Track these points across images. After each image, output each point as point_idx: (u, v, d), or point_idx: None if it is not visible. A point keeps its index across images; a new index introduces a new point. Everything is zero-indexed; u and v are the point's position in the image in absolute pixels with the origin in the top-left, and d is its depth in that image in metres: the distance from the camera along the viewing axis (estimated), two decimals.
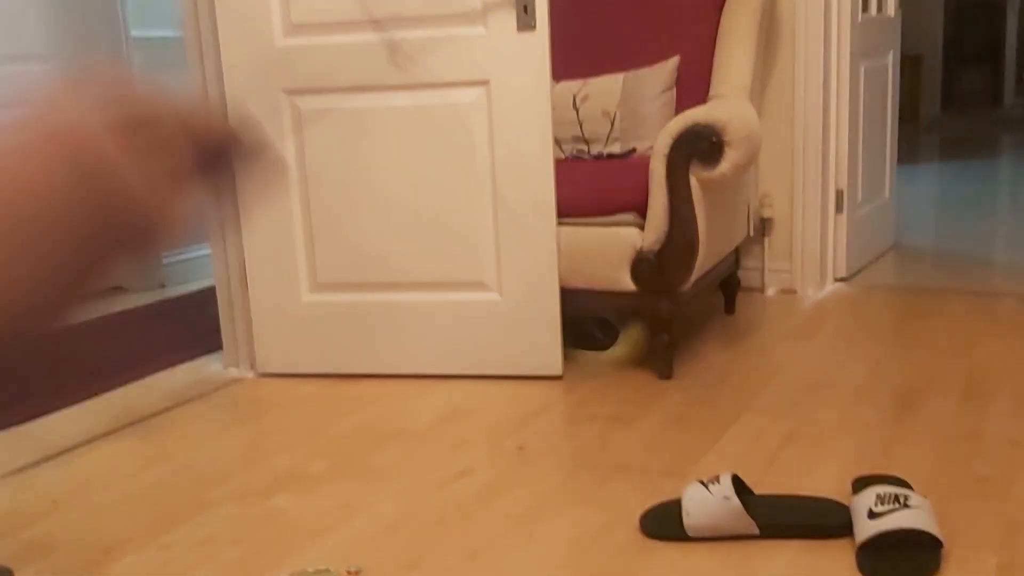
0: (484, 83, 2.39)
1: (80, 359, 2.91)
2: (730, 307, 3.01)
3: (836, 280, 3.31)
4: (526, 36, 2.34)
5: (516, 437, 2.12)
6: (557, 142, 2.89)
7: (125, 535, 1.76)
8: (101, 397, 2.55)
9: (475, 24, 2.37)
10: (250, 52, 2.49)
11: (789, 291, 3.22)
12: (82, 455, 2.17)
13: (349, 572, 1.56)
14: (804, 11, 3.06)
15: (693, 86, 2.86)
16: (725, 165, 2.34)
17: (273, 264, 2.59)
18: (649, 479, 1.86)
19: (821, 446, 1.98)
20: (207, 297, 3.42)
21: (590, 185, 2.54)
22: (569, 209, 2.48)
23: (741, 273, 3.11)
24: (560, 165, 2.60)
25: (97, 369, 2.79)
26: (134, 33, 3.75)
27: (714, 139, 2.33)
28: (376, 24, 2.41)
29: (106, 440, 2.25)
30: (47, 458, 2.16)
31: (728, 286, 2.99)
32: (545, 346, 2.47)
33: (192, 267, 3.96)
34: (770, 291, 3.24)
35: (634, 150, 2.77)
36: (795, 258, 3.21)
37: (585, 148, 2.85)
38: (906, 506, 1.55)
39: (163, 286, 3.86)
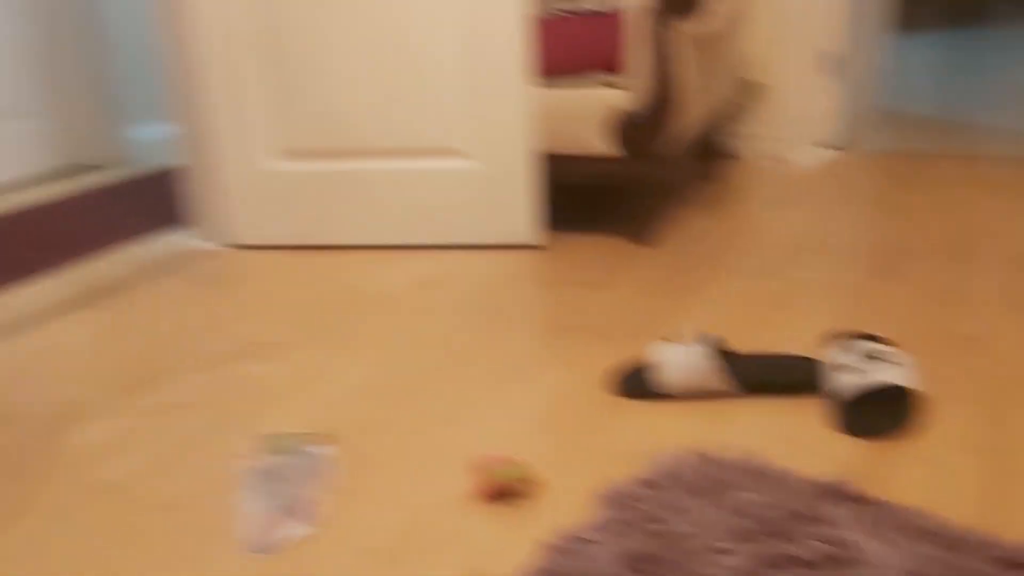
0: None
1: (44, 235, 2.81)
2: (714, 174, 2.92)
3: (826, 147, 3.21)
4: None
5: (489, 303, 2.06)
6: None
7: (85, 403, 1.71)
8: (64, 271, 2.47)
9: None
10: None
11: (776, 158, 3.13)
12: (43, 327, 2.10)
13: (318, 435, 1.52)
14: None
15: None
16: (709, 19, 2.21)
17: (236, 131, 2.47)
18: (624, 341, 1.81)
19: (802, 307, 1.93)
20: (175, 173, 3.31)
21: (569, 43, 2.41)
22: (547, 69, 2.37)
23: (727, 139, 3.01)
24: (539, 23, 2.47)
25: (61, 244, 2.70)
26: None
27: None
28: None
29: (70, 312, 2.18)
30: (6, 330, 2.09)
31: (713, 152, 2.89)
32: (523, 214, 2.39)
33: (160, 144, 3.83)
34: (756, 158, 3.15)
35: (616, 7, 2.63)
36: (784, 124, 3.10)
37: (566, 5, 2.71)
38: (889, 362, 1.50)
39: (129, 162, 3.74)
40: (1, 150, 3.46)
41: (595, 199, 2.85)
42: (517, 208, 2.39)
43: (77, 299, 2.27)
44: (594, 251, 2.36)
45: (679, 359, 1.56)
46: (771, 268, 2.17)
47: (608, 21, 2.49)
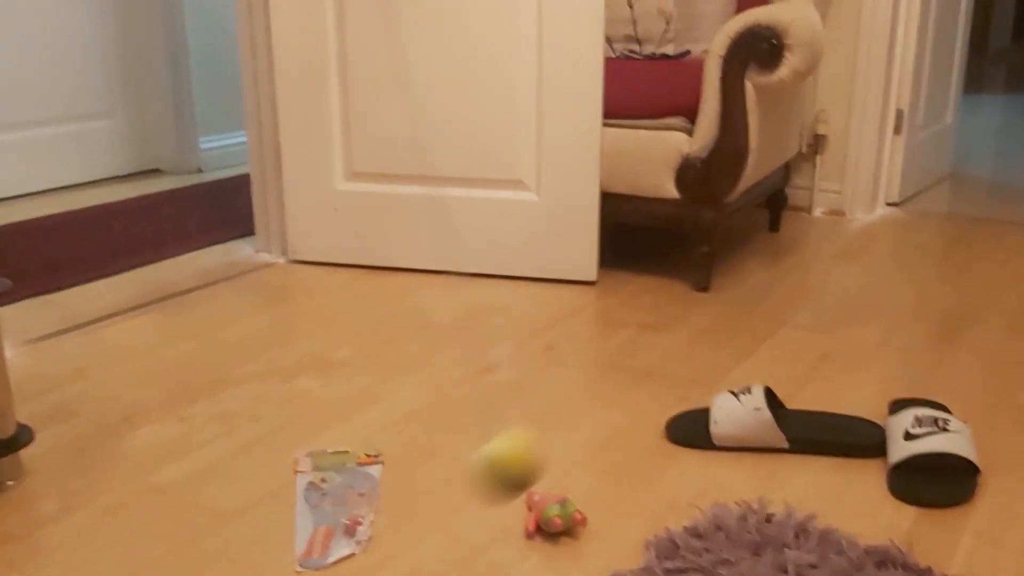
0: None
1: (113, 236, 2.90)
2: (775, 224, 2.92)
3: (887, 204, 3.19)
4: None
5: (545, 337, 2.08)
6: (608, 40, 2.78)
7: (146, 405, 1.75)
8: (131, 272, 2.54)
9: None
10: None
11: (838, 212, 3.12)
12: (108, 326, 2.16)
13: (367, 455, 1.55)
14: None
15: None
16: (783, 71, 2.23)
17: (308, 150, 2.53)
18: (677, 386, 1.82)
19: (859, 366, 1.92)
20: (243, 182, 3.38)
21: (639, 86, 2.43)
22: (615, 110, 2.39)
23: (789, 190, 3.00)
24: (610, 64, 2.50)
25: (128, 246, 2.77)
26: None
27: (774, 42, 2.21)
28: None
29: (133, 313, 2.24)
30: (74, 327, 2.15)
31: (774, 202, 2.89)
32: (581, 250, 2.41)
33: (230, 153, 3.92)
34: (818, 211, 3.14)
35: (689, 52, 2.65)
36: (847, 178, 3.09)
37: (637, 48, 2.74)
38: (945, 430, 1.49)
39: (200, 170, 3.83)
40: (78, 150, 3.57)
41: (655, 240, 2.86)
42: (578, 244, 2.41)
43: (143, 302, 2.33)
44: (651, 293, 2.36)
45: (733, 410, 1.56)
46: (829, 324, 2.16)
47: (679, 66, 2.51)
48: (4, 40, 3.27)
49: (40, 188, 3.45)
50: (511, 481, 1.11)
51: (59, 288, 2.40)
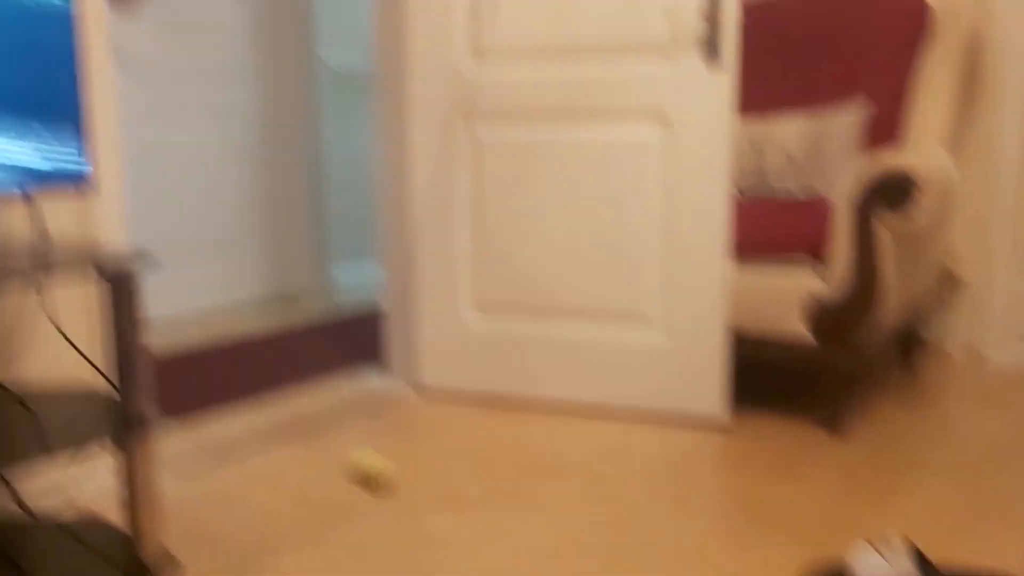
0: (664, 117, 2.36)
1: (249, 364, 3.04)
2: (911, 367, 2.83)
3: None
4: (712, 73, 2.30)
5: (672, 481, 2.05)
6: (734, 180, 2.82)
7: (286, 534, 1.81)
8: (269, 399, 2.66)
9: (660, 58, 2.35)
10: (433, 75, 2.55)
11: (976, 354, 3.01)
12: (249, 454, 2.25)
13: None
14: (1012, 59, 2.88)
15: (883, 130, 2.74)
16: (917, 216, 2.21)
17: (440, 284, 2.63)
18: (811, 537, 1.76)
19: (1005, 519, 1.82)
20: (373, 311, 3.52)
21: (768, 226, 2.45)
22: (743, 248, 2.41)
23: (925, 332, 2.93)
24: (736, 203, 2.53)
25: (266, 372, 2.90)
26: (323, 55, 3.93)
27: (907, 187, 2.20)
28: (562, 53, 2.42)
29: (272, 440, 2.33)
30: (216, 453, 2.25)
31: (910, 344, 2.82)
32: (709, 390, 2.39)
33: (364, 281, 4.09)
34: (955, 353, 3.04)
35: (816, 193, 2.67)
36: (985, 321, 3.00)
37: (763, 187, 2.77)
38: None
39: (332, 298, 4.00)
40: (222, 274, 3.79)
41: (786, 382, 2.81)
42: (705, 383, 2.39)
43: (278, 431, 2.42)
44: (782, 437, 2.32)
45: (878, 567, 1.50)
46: (971, 473, 2.06)
47: (808, 207, 2.52)
48: (166, 174, 3.55)
49: (185, 309, 3.67)
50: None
51: (204, 415, 2.52)
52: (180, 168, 3.59)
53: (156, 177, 3.51)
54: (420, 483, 2.05)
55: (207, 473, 2.13)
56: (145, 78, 3.42)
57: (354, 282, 4.11)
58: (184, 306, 3.67)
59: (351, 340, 3.30)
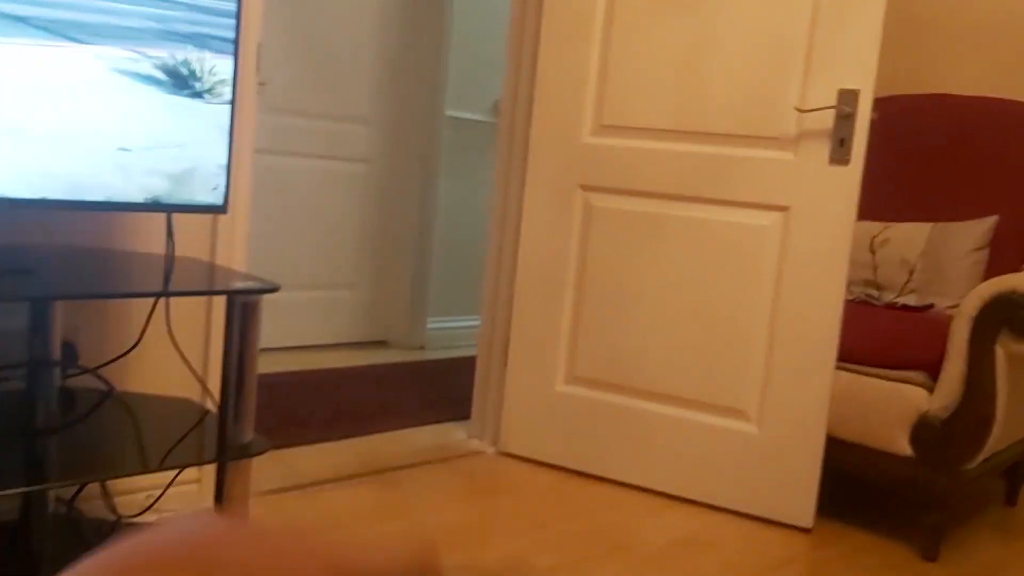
0: (784, 209, 2.33)
1: (338, 400, 3.07)
2: (1012, 497, 2.70)
3: None
4: (837, 169, 2.27)
5: None
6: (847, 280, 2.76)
7: None
8: (351, 440, 2.67)
9: (785, 150, 2.33)
10: (556, 144, 2.58)
11: None
12: (327, 491, 2.26)
13: None
14: None
15: (1009, 250, 2.65)
16: None
17: (534, 348, 2.62)
18: None
19: None
20: (463, 366, 3.52)
21: (878, 333, 2.38)
22: (850, 354, 2.34)
23: None
24: (846, 307, 2.47)
25: (351, 413, 2.92)
26: (448, 113, 4.01)
27: None
28: (685, 136, 2.42)
29: (350, 482, 2.33)
30: (296, 487, 2.26)
31: (1014, 473, 2.69)
32: (799, 493, 2.31)
33: (456, 334, 4.11)
34: None
35: (932, 305, 2.59)
36: None
37: (876, 294, 2.70)
38: None
39: (423, 348, 4.03)
40: (321, 314, 3.86)
41: (880, 495, 2.70)
42: (796, 485, 2.32)
43: (359, 472, 2.42)
44: (871, 553, 2.22)
45: None
46: None
47: (922, 319, 2.44)
48: (281, 207, 3.65)
49: (282, 344, 3.74)
50: None
51: (288, 445, 2.55)
52: (296, 202, 3.69)
53: (272, 208, 3.61)
54: (492, 547, 2.02)
55: (281, 502, 2.14)
56: (278, 111, 3.54)
57: (449, 335, 4.13)
58: (279, 338, 3.74)
59: (439, 392, 3.31)
